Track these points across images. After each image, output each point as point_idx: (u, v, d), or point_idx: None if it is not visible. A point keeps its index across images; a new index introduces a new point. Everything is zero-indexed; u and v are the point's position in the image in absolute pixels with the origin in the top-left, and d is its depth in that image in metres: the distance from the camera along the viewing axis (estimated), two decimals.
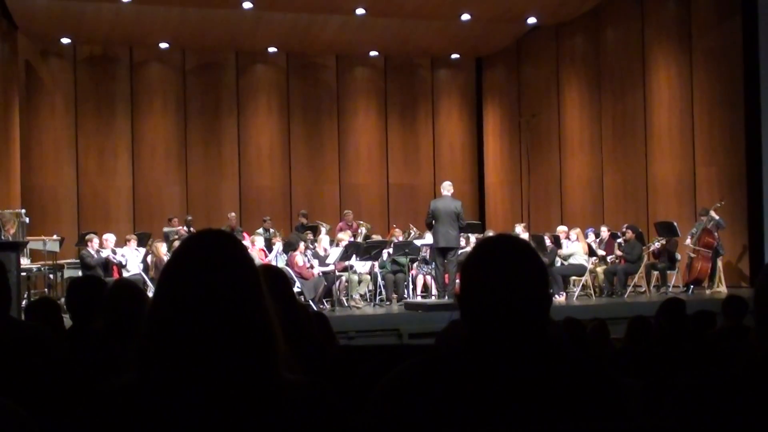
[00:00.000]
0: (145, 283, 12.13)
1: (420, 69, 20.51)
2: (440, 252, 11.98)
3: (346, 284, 13.18)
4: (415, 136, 20.48)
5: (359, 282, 13.43)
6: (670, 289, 13.88)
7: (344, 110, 19.99)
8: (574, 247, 13.90)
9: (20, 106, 17.25)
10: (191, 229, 15.24)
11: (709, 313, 6.37)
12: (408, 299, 13.10)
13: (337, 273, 13.21)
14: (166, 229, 15.69)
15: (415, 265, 13.85)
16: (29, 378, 2.89)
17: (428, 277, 13.55)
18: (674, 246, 14.24)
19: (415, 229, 15.97)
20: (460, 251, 12.21)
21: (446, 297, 11.87)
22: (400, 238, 14.89)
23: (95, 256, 12.77)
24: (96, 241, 12.99)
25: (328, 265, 13.27)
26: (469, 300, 1.82)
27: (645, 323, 5.80)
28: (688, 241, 14.05)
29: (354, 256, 13.18)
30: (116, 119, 18.55)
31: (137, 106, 18.72)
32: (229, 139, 19.19)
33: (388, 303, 13.37)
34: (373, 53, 19.80)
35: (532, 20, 17.84)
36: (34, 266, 13.54)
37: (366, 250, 13.32)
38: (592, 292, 13.98)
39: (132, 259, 13.22)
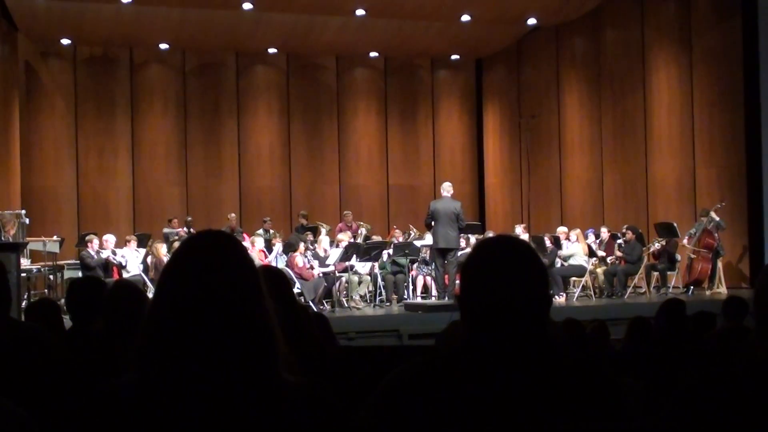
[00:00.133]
0: (145, 284, 12.13)
1: (420, 70, 20.51)
2: (440, 253, 11.98)
3: (346, 285, 13.18)
4: (415, 137, 20.48)
5: (359, 283, 13.43)
6: (670, 290, 13.88)
7: (344, 111, 20.00)
8: (574, 248, 13.90)
9: (20, 107, 17.26)
10: (191, 230, 15.23)
11: (709, 314, 6.37)
12: (408, 300, 13.10)
13: (337, 274, 13.21)
14: (166, 230, 15.69)
15: (415, 266, 13.84)
16: (29, 379, 2.89)
17: (428, 278, 13.55)
18: (674, 247, 14.24)
19: (415, 230, 15.97)
20: (459, 252, 12.21)
21: (446, 298, 11.86)
22: (400, 239, 14.90)
23: (95, 256, 12.77)
24: (96, 241, 12.99)
25: (328, 266, 13.27)
26: (469, 301, 1.82)
27: (645, 324, 5.81)
28: (685, 241, 14.06)
29: (354, 257, 13.18)
30: (116, 120, 18.55)
31: (137, 107, 18.72)
32: (229, 139, 19.19)
33: (388, 304, 13.37)
34: (373, 54, 19.80)
35: (532, 21, 17.84)
36: (34, 267, 13.54)
37: (366, 251, 13.32)
38: (592, 293, 13.98)
39: (132, 260, 13.22)
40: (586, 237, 14.49)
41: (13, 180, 16.61)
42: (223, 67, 19.22)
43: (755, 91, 14.17)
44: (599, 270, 14.08)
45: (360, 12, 16.57)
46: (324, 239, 14.14)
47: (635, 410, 1.80)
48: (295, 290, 11.19)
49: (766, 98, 13.98)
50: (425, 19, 17.46)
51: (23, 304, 9.90)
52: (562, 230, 14.62)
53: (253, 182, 19.26)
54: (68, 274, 13.53)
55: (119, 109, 18.58)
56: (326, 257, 13.48)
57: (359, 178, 19.96)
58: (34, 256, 14.13)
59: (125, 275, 12.70)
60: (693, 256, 13.85)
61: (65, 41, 17.86)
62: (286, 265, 12.90)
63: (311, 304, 12.06)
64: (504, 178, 20.12)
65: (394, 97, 20.30)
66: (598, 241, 14.70)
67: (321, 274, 13.00)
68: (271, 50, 19.06)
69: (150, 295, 7.23)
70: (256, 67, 19.46)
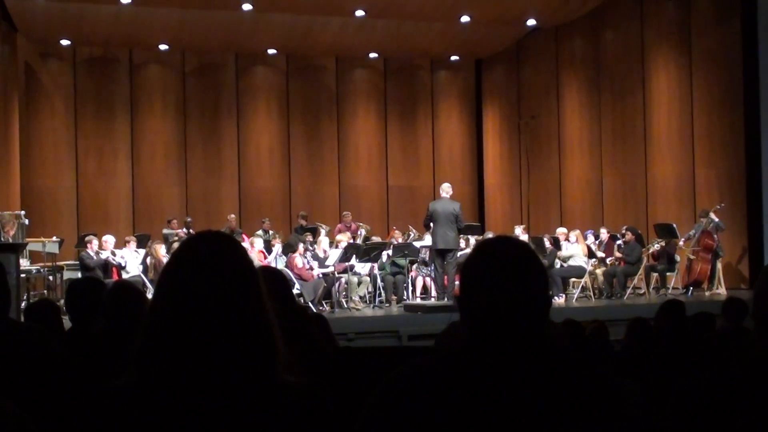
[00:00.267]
0: (144, 284, 12.13)
1: (419, 71, 20.51)
2: (438, 254, 11.99)
3: (346, 286, 13.18)
4: (414, 138, 20.48)
5: (359, 284, 13.43)
6: (670, 291, 13.88)
7: (344, 112, 20.00)
8: (574, 249, 13.90)
9: (20, 108, 17.25)
10: (190, 230, 15.23)
11: (709, 315, 6.38)
12: (407, 301, 13.11)
13: (337, 275, 13.21)
14: (165, 231, 15.69)
15: (414, 266, 13.84)
16: (29, 379, 2.89)
17: (428, 279, 13.55)
18: (673, 248, 14.24)
19: (414, 230, 15.97)
20: (459, 253, 12.22)
21: (445, 299, 11.87)
22: (400, 240, 14.90)
23: (95, 257, 12.77)
24: (95, 242, 12.99)
25: (327, 266, 13.27)
26: (468, 302, 1.82)
27: (644, 325, 5.81)
28: (682, 242, 14.06)
29: (353, 257, 13.19)
30: (116, 121, 18.54)
31: (137, 108, 18.72)
32: (229, 140, 19.19)
33: (387, 305, 13.37)
34: (372, 55, 19.80)
35: (531, 22, 17.85)
36: (34, 268, 13.52)
37: (365, 251, 13.32)
38: (592, 293, 13.98)
39: (131, 261, 13.23)
40: (585, 238, 14.50)
41: (13, 181, 16.60)
42: (223, 67, 19.22)
43: (755, 92, 14.18)
44: (599, 271, 14.09)
45: (359, 13, 16.58)
46: (323, 240, 14.14)
47: (635, 411, 1.80)
48: (295, 291, 11.20)
49: (766, 99, 13.99)
50: (425, 20, 17.46)
51: (23, 304, 9.90)
52: (561, 231, 14.62)
53: (253, 183, 19.26)
54: (68, 274, 13.52)
55: (119, 109, 18.58)
56: (326, 258, 13.48)
57: (359, 178, 19.96)
58: (34, 257, 14.13)
59: (125, 276, 12.70)
60: (692, 257, 13.86)
61: (65, 42, 17.85)
62: (286, 266, 12.90)
63: (311, 304, 12.06)
64: (503, 179, 20.12)
65: (393, 97, 20.29)
66: (597, 242, 14.70)
67: (320, 275, 13.00)
68: (271, 51, 19.07)
69: (149, 295, 7.24)
70: (255, 68, 19.46)
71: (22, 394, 2.61)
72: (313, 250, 13.66)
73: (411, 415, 1.73)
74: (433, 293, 12.83)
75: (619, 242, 14.12)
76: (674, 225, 14.29)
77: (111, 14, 16.31)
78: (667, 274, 14.12)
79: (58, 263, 13.89)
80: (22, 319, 6.81)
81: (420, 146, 20.53)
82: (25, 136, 17.48)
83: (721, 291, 13.54)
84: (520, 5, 16.84)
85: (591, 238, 14.72)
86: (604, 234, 14.78)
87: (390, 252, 13.89)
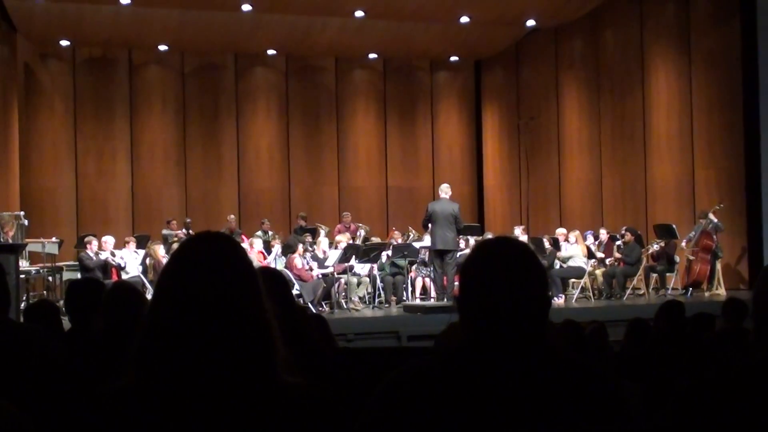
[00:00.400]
0: (144, 285, 12.13)
1: (419, 71, 20.52)
2: (437, 254, 11.99)
3: (345, 287, 13.18)
4: (414, 139, 20.48)
5: (358, 284, 13.44)
6: (669, 292, 13.88)
7: (343, 113, 19.99)
8: (573, 250, 13.90)
9: (19, 109, 17.24)
10: (190, 231, 15.22)
11: (708, 316, 6.38)
12: (407, 302, 13.10)
13: (336, 275, 13.21)
14: (164, 232, 15.69)
15: (414, 267, 13.85)
16: (28, 380, 2.89)
17: (427, 280, 13.55)
18: (673, 248, 14.24)
19: (414, 231, 15.97)
20: (459, 253, 12.22)
21: (445, 299, 11.87)
22: (399, 241, 14.90)
23: (94, 258, 12.77)
24: (95, 243, 12.99)
25: (327, 267, 13.28)
26: (468, 302, 1.82)
27: (644, 326, 5.81)
28: (683, 244, 14.06)
29: (353, 258, 13.19)
30: (115, 121, 18.54)
31: (136, 109, 18.72)
32: (228, 141, 19.19)
33: (386, 305, 13.38)
34: (372, 56, 19.80)
35: (531, 23, 17.85)
36: (33, 268, 13.52)
37: (365, 252, 13.33)
38: (591, 294, 13.98)
39: (131, 262, 13.22)
40: (585, 238, 14.50)
41: (12, 181, 16.60)
42: (222, 68, 19.21)
43: (754, 92, 14.18)
44: (598, 271, 14.09)
45: (359, 13, 16.57)
46: (323, 241, 14.14)
47: (634, 412, 1.80)
48: (294, 292, 11.20)
49: (765, 100, 13.99)
50: (424, 21, 17.46)
51: (22, 305, 9.90)
52: (561, 232, 14.63)
53: (252, 184, 19.26)
54: (67, 275, 13.51)
55: (118, 110, 18.57)
56: (325, 259, 13.48)
57: (358, 179, 19.96)
58: (33, 258, 14.12)
59: (124, 277, 12.71)
60: (691, 257, 13.86)
61: (64, 43, 17.85)
62: (285, 267, 12.90)
63: (310, 305, 12.06)
64: (503, 180, 20.13)
65: (393, 98, 20.29)
66: (597, 242, 14.70)
67: (320, 276, 13.00)
68: (270, 52, 19.06)
69: (149, 296, 7.24)
70: (255, 68, 19.46)
71: (22, 394, 2.61)
72: (313, 250, 13.66)
73: (411, 416, 1.73)
74: (433, 294, 12.83)
75: (618, 243, 14.12)
76: (674, 225, 14.29)
77: (110, 15, 16.31)
78: (667, 274, 14.12)
79: (57, 264, 13.88)
80: (22, 319, 6.81)
81: (419, 147, 20.53)
82: (24, 136, 17.47)
83: (721, 292, 13.54)
84: (519, 6, 16.84)
85: (590, 239, 14.73)
86: (603, 234, 14.78)
87: (389, 253, 13.89)
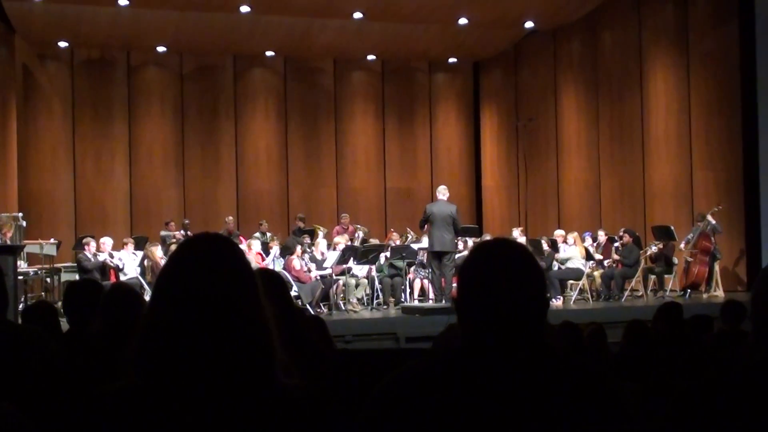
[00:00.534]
0: (142, 286, 12.13)
1: (417, 73, 20.52)
2: (435, 256, 11.99)
3: (344, 288, 13.18)
4: (412, 140, 20.49)
5: (356, 286, 13.43)
6: (667, 293, 13.89)
7: (342, 114, 20.00)
8: (572, 251, 13.91)
9: (17, 110, 17.23)
10: (188, 232, 15.23)
11: (706, 317, 6.38)
12: (405, 303, 13.10)
13: (335, 277, 13.21)
14: (163, 233, 15.69)
15: (412, 268, 13.85)
16: (26, 382, 2.89)
17: (425, 281, 13.55)
18: (671, 250, 14.25)
19: (412, 232, 15.98)
20: (457, 255, 12.22)
21: (443, 301, 11.87)
22: (397, 242, 14.90)
23: (92, 259, 12.77)
24: (93, 244, 12.98)
25: (325, 268, 13.27)
26: (466, 304, 1.82)
27: (642, 327, 5.81)
28: (682, 245, 14.07)
29: (351, 259, 13.18)
30: (114, 123, 18.54)
31: (134, 110, 18.71)
32: (227, 142, 19.19)
33: (385, 307, 13.38)
34: (370, 57, 19.80)
35: (529, 24, 17.86)
36: (31, 270, 13.51)
37: (363, 253, 13.32)
38: (590, 296, 13.99)
39: (129, 263, 13.22)
40: (583, 240, 14.51)
41: (10, 183, 16.59)
42: (221, 70, 19.21)
43: (752, 94, 14.20)
44: (596, 273, 14.09)
45: (357, 15, 16.58)
46: (321, 242, 14.13)
47: (632, 414, 1.80)
48: (292, 293, 11.20)
49: (764, 101, 14.01)
50: (423, 23, 17.47)
51: (20, 306, 9.88)
52: (559, 233, 14.64)
53: (251, 185, 19.25)
54: (65, 276, 13.51)
55: (116, 111, 18.57)
56: (323, 260, 13.48)
57: (356, 181, 19.96)
58: (31, 259, 14.11)
59: (122, 278, 12.71)
60: (690, 259, 13.87)
61: (62, 44, 17.85)
62: (283, 268, 12.90)
63: (308, 307, 12.06)
64: (501, 181, 20.13)
65: (391, 100, 20.30)
66: (595, 244, 14.71)
67: (318, 277, 12.99)
68: (269, 53, 19.07)
69: (147, 297, 7.23)
70: (253, 70, 19.46)
71: (20, 396, 2.60)
72: (311, 252, 13.66)
73: (409, 417, 1.73)
74: (431, 295, 12.83)
75: (616, 244, 14.13)
76: (672, 227, 14.29)
77: (109, 16, 16.31)
78: (665, 276, 14.14)
79: (55, 265, 13.87)
80: (20, 321, 6.80)
81: (418, 148, 20.53)
82: (22, 137, 17.46)
83: (719, 293, 13.55)
84: (517, 7, 16.86)
85: (589, 240, 14.74)
86: (601, 236, 14.80)
87: (388, 254, 13.89)
